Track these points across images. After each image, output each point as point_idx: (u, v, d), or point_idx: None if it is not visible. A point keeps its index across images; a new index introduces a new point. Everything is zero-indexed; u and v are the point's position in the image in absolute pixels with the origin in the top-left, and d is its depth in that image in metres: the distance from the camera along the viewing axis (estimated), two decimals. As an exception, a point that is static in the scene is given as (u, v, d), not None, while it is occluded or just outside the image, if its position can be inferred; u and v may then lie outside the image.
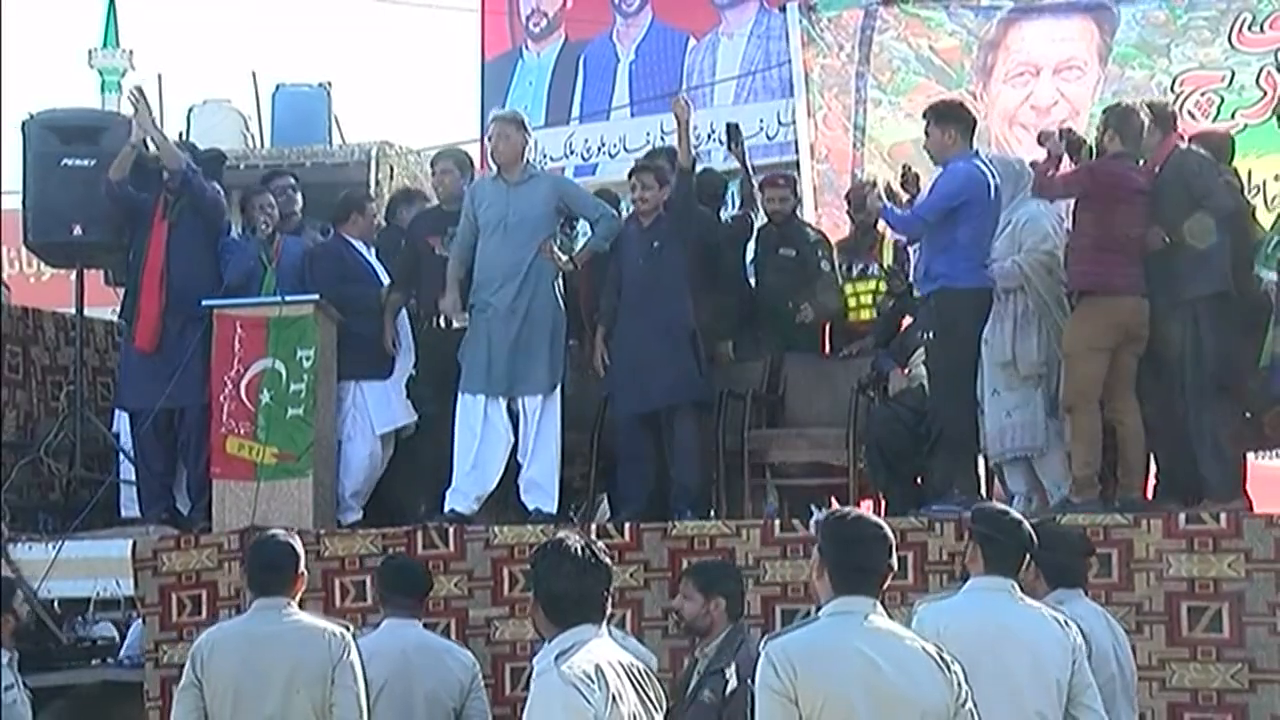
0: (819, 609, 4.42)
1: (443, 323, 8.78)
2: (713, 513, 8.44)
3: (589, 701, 4.22)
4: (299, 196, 9.64)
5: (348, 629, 5.91)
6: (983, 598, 5.38)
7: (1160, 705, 7.07)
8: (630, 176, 8.88)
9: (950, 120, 8.07)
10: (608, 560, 4.55)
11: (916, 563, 7.44)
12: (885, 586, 4.42)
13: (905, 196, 8.28)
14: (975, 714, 4.37)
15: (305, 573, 6.00)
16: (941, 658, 4.35)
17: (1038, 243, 7.90)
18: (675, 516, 8.12)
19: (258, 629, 5.80)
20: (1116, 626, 6.22)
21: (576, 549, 4.50)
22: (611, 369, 8.73)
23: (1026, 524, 5.50)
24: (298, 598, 5.93)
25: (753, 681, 4.32)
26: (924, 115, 8.25)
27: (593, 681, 4.26)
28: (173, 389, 8.78)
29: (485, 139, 8.96)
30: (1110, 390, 7.74)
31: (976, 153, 8.19)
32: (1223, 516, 7.23)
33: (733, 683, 5.97)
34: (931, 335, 7.96)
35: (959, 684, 4.33)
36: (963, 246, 7.97)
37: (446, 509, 8.40)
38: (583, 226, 9.30)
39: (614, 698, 4.28)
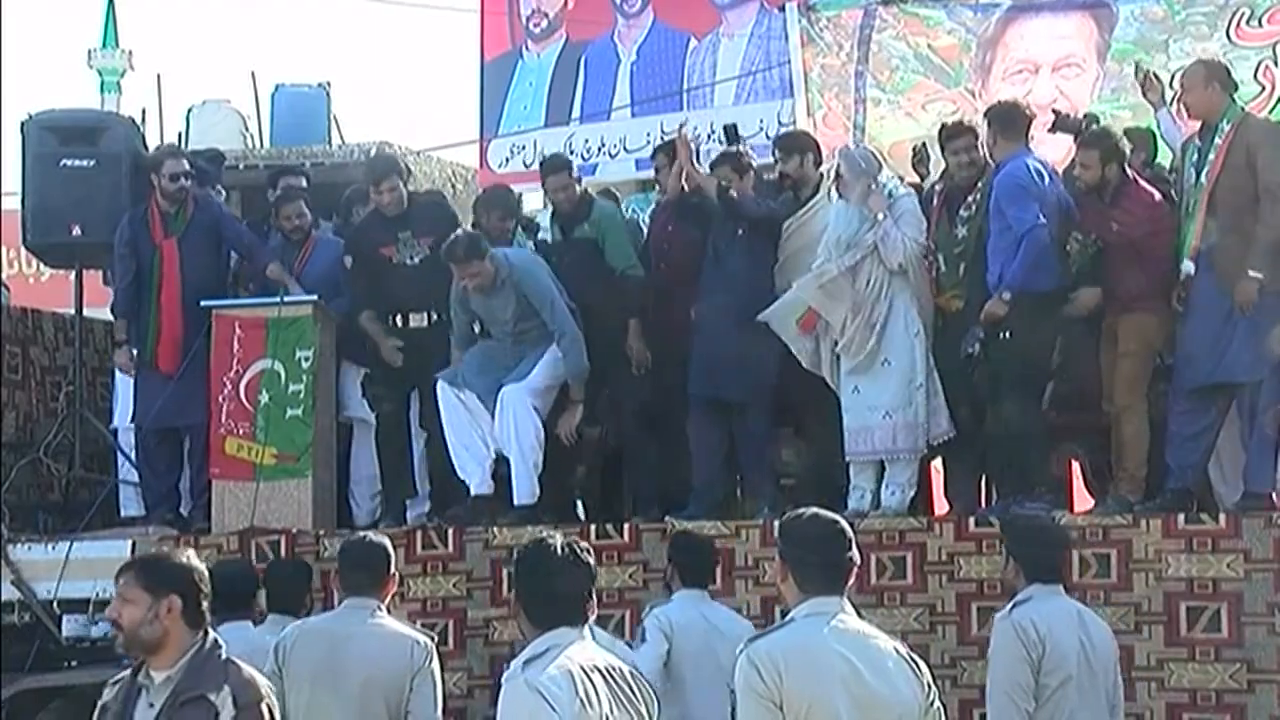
0: (786, 613, 4.41)
1: (399, 321, 8.79)
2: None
3: (554, 708, 4.15)
4: (302, 205, 9.33)
5: (432, 638, 5.94)
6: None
7: (1159, 705, 7.08)
8: (653, 158, 8.97)
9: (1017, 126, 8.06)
10: (590, 560, 4.47)
11: (916, 563, 7.44)
12: (851, 582, 4.40)
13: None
14: (943, 713, 4.37)
15: (396, 574, 6.03)
16: (911, 658, 4.36)
17: (917, 234, 7.96)
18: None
19: (341, 628, 5.87)
20: (1094, 626, 6.10)
21: (558, 549, 4.43)
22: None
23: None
24: (388, 599, 5.98)
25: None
26: (990, 119, 8.10)
27: (558, 688, 4.19)
28: (188, 406, 8.77)
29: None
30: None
31: (1030, 151, 8.12)
32: (1222, 516, 7.24)
33: (228, 712, 4.48)
34: (1009, 335, 7.84)
35: (929, 684, 4.34)
36: None
37: (472, 496, 8.37)
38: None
39: (583, 704, 4.20)
